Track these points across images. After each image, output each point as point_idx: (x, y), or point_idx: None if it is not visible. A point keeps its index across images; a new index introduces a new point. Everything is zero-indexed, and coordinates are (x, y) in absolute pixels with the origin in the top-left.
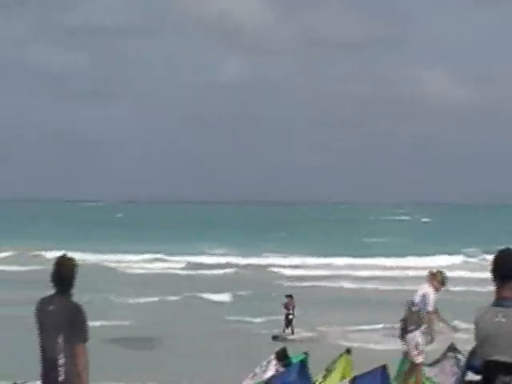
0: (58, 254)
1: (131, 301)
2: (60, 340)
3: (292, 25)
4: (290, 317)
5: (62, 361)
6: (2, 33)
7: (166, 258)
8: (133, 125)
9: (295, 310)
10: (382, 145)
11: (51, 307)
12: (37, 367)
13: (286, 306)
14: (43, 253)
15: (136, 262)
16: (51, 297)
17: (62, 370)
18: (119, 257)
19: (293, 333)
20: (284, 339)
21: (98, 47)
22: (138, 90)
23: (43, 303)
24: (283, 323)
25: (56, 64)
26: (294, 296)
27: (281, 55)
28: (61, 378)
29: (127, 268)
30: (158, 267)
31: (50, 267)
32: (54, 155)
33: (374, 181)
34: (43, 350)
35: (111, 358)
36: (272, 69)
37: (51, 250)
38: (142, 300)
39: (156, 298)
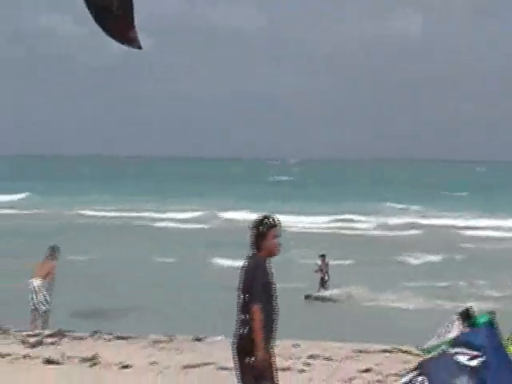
0: (239, 214)
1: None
2: (245, 297)
3: None
4: (326, 278)
5: (244, 317)
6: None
7: (353, 218)
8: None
9: (328, 270)
10: None
11: (245, 265)
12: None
13: (320, 268)
14: (227, 213)
15: (323, 223)
16: (248, 256)
17: (244, 326)
18: (304, 218)
19: (326, 289)
20: (318, 298)
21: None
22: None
23: (245, 261)
24: (318, 284)
25: (240, 25)
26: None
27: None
28: (243, 334)
29: (314, 229)
30: (346, 227)
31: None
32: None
33: None
34: (237, 306)
35: (302, 317)
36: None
37: (237, 209)
38: (336, 262)
39: (350, 261)
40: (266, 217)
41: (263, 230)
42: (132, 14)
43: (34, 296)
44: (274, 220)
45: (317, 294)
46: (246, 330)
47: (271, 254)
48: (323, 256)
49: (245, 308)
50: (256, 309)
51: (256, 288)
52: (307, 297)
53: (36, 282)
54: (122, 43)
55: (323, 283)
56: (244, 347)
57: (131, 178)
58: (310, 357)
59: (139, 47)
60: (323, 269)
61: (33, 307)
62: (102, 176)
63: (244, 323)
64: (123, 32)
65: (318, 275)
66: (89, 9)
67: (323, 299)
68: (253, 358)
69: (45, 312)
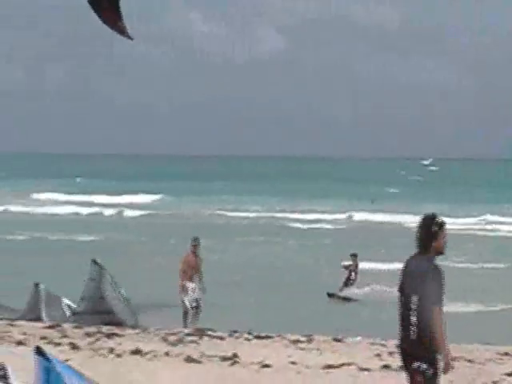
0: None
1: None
2: (414, 300)
3: None
4: (352, 277)
5: (413, 320)
6: None
7: (495, 219)
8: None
9: (358, 270)
10: None
11: (411, 267)
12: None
13: (349, 267)
14: (359, 214)
15: (465, 225)
16: (413, 256)
17: (413, 328)
18: (455, 220)
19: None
20: (340, 297)
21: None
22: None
23: (407, 262)
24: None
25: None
26: None
27: None
28: (412, 337)
29: (455, 231)
30: (488, 229)
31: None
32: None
33: None
34: (400, 307)
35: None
36: None
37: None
38: (478, 265)
39: (503, 264)
40: (435, 216)
41: (435, 230)
42: (118, 7)
43: (185, 296)
44: (442, 219)
45: (343, 295)
46: (414, 334)
47: (439, 253)
48: (355, 255)
49: (414, 310)
50: (437, 311)
51: (432, 289)
52: (331, 295)
53: (187, 283)
54: (117, 32)
55: (348, 282)
56: (411, 351)
57: (255, 178)
58: (452, 358)
59: (129, 37)
60: (352, 269)
61: (190, 306)
62: (226, 176)
63: (412, 326)
64: (114, 22)
65: (346, 273)
66: None
67: (345, 299)
68: (423, 364)
69: (190, 310)
